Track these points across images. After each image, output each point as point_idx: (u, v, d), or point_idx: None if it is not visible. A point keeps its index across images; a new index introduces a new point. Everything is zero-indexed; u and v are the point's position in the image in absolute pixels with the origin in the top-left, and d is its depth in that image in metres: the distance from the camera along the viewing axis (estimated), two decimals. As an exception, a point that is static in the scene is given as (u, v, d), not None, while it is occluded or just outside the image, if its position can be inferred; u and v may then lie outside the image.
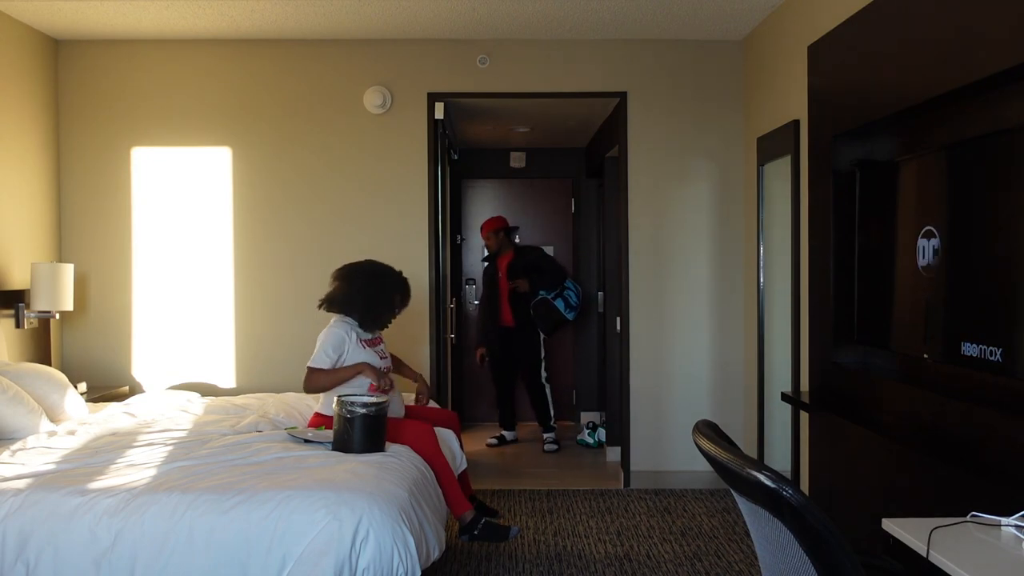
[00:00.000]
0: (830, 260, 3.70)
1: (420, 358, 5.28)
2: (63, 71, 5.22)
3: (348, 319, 3.89)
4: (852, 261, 3.56)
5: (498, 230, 6.63)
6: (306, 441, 3.51)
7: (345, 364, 3.81)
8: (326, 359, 3.79)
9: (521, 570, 3.96)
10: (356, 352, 3.84)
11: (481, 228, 6.75)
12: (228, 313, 5.27)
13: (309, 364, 3.79)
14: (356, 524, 2.72)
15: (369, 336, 3.94)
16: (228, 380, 5.27)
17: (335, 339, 3.81)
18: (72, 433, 3.71)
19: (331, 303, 3.90)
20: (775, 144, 4.62)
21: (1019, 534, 1.89)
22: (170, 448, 3.46)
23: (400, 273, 4.05)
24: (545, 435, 6.53)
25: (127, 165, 5.24)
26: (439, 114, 5.27)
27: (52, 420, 3.92)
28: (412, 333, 5.28)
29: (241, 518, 2.74)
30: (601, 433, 6.54)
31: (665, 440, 5.35)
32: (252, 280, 5.27)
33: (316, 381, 3.79)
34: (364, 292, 3.88)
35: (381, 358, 3.93)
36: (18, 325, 4.65)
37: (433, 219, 5.29)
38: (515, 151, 7.63)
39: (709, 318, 5.36)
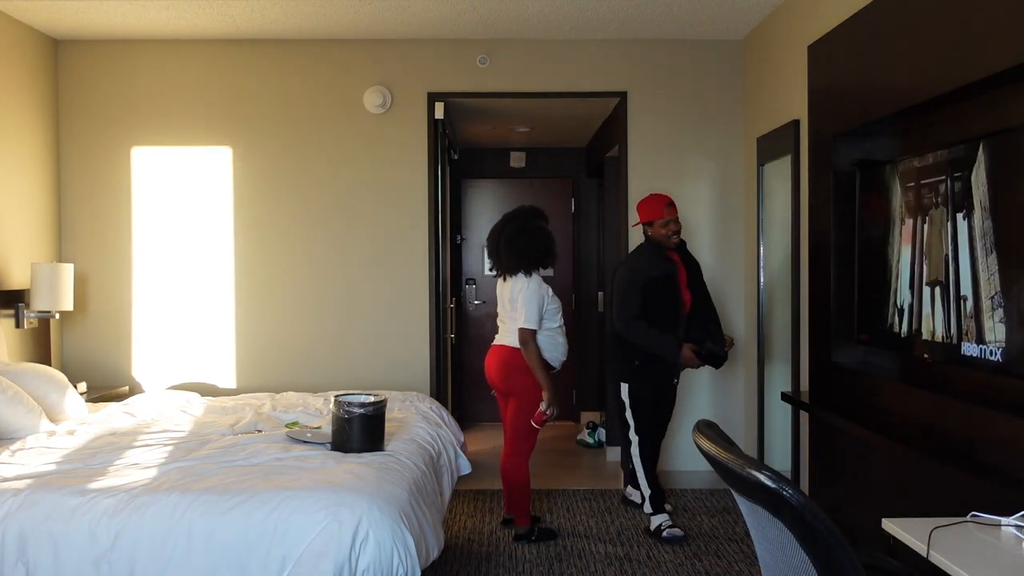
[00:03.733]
0: (830, 260, 3.70)
1: (420, 358, 5.29)
2: (63, 71, 5.22)
3: (538, 274, 4.30)
4: (852, 261, 3.57)
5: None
6: (305, 441, 3.51)
7: (546, 314, 4.23)
8: (535, 318, 4.19)
9: (521, 570, 3.95)
10: (553, 303, 4.29)
11: (653, 206, 4.39)
12: (228, 313, 5.27)
13: (524, 326, 4.18)
14: (356, 525, 2.71)
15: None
16: (228, 380, 5.27)
17: (537, 297, 4.21)
18: (72, 433, 3.71)
19: (527, 264, 4.27)
20: (775, 144, 4.62)
21: (1019, 534, 1.89)
22: (170, 448, 3.46)
23: (536, 209, 4.49)
24: (656, 515, 4.40)
25: (127, 165, 5.24)
26: (439, 114, 5.27)
27: (52, 420, 3.92)
28: (412, 333, 5.29)
29: (241, 519, 2.73)
30: (601, 433, 6.53)
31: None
32: (252, 280, 5.27)
33: (528, 344, 4.19)
34: (545, 240, 4.32)
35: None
36: (18, 325, 4.65)
37: (433, 219, 5.29)
38: (515, 151, 7.63)
39: (709, 318, 5.35)
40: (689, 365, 4.33)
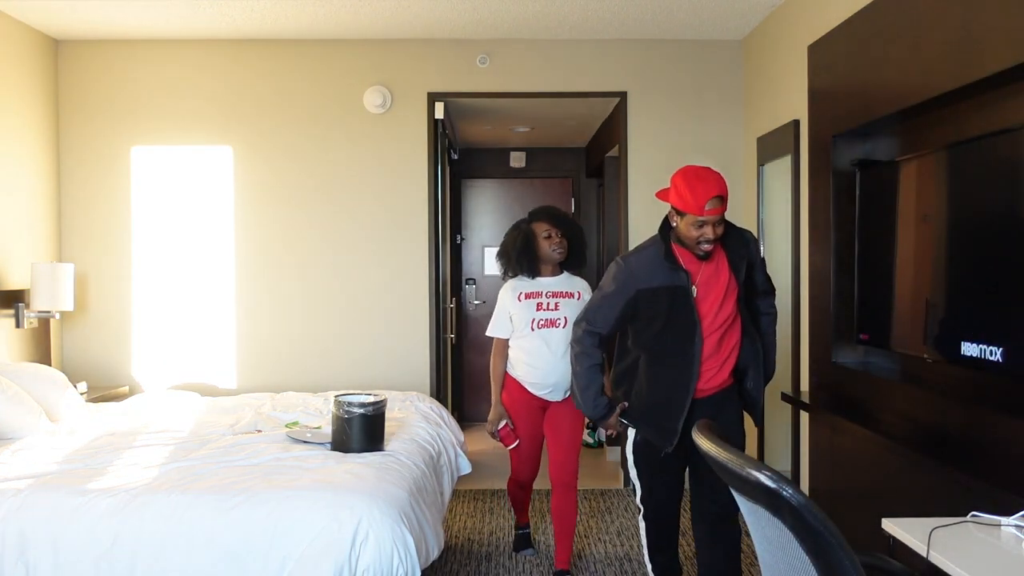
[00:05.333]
0: (830, 260, 3.70)
1: (420, 358, 5.29)
2: (63, 71, 5.22)
3: (517, 279, 3.90)
4: (852, 261, 3.56)
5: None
6: (305, 441, 3.51)
7: (515, 318, 3.84)
8: (495, 326, 3.92)
9: (521, 570, 3.95)
10: (515, 307, 3.84)
11: (692, 193, 2.84)
12: (229, 312, 5.27)
13: (487, 332, 3.98)
14: (356, 525, 2.71)
15: (533, 289, 3.85)
16: (228, 380, 5.27)
17: (499, 304, 3.92)
18: (72, 433, 3.71)
19: (503, 269, 3.96)
20: (775, 144, 4.62)
21: (1019, 534, 1.89)
22: (170, 448, 3.46)
23: (537, 208, 3.99)
24: None
25: (127, 165, 5.24)
26: (439, 114, 5.27)
27: (52, 420, 3.91)
28: (412, 333, 5.29)
29: (241, 519, 2.73)
30: (601, 433, 6.54)
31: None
32: (252, 279, 5.27)
33: (493, 351, 3.96)
34: (507, 243, 3.92)
35: (539, 309, 3.81)
36: (18, 325, 4.65)
37: (433, 219, 5.29)
38: (515, 151, 7.63)
39: (709, 318, 5.34)
40: (614, 430, 3.20)
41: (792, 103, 4.39)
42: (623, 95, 5.33)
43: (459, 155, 7.10)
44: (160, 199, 5.26)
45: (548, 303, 3.82)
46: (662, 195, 3.01)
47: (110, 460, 3.25)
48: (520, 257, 3.84)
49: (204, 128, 5.25)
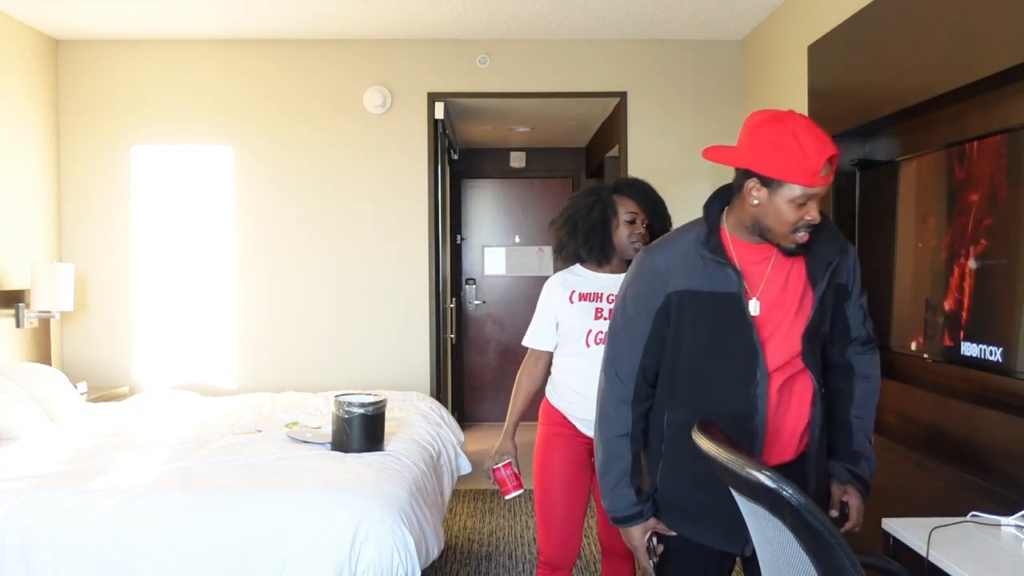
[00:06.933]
0: (830, 260, 3.69)
1: (420, 358, 5.29)
2: (63, 71, 5.22)
3: (567, 271, 2.83)
4: (852, 261, 3.56)
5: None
6: (305, 441, 3.51)
7: (562, 326, 2.77)
8: (533, 333, 2.84)
9: (521, 570, 3.96)
10: (565, 310, 2.75)
11: (801, 152, 1.79)
12: (229, 312, 5.27)
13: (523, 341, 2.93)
14: (356, 525, 2.71)
15: (591, 288, 2.76)
16: (228, 380, 5.27)
17: (542, 304, 2.83)
18: (72, 433, 3.71)
19: (558, 244, 2.85)
20: (775, 144, 4.61)
21: (1019, 534, 1.89)
22: (170, 449, 3.46)
23: (625, 180, 2.88)
24: None
25: (127, 164, 5.24)
26: (439, 114, 5.27)
27: (52, 420, 3.92)
28: (412, 333, 5.29)
29: (241, 519, 2.73)
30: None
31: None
32: (252, 279, 5.27)
33: (523, 364, 2.89)
34: (575, 210, 2.80)
35: (598, 316, 2.70)
36: (18, 325, 4.65)
37: (433, 219, 5.30)
38: (515, 151, 7.64)
39: (709, 318, 5.34)
40: (639, 552, 2.03)
41: (792, 103, 4.39)
42: (623, 95, 5.33)
43: (459, 155, 7.10)
44: (160, 199, 5.26)
45: (610, 310, 2.64)
46: (726, 157, 1.91)
47: (110, 460, 3.25)
48: (591, 233, 2.74)
49: (204, 128, 5.26)
